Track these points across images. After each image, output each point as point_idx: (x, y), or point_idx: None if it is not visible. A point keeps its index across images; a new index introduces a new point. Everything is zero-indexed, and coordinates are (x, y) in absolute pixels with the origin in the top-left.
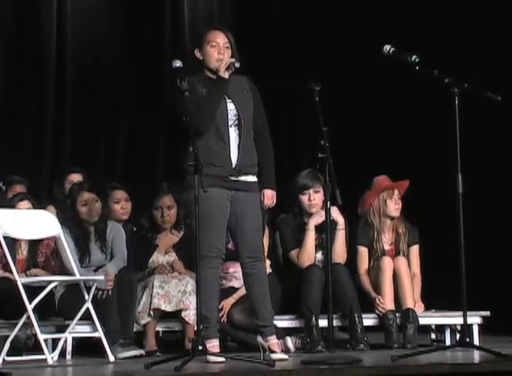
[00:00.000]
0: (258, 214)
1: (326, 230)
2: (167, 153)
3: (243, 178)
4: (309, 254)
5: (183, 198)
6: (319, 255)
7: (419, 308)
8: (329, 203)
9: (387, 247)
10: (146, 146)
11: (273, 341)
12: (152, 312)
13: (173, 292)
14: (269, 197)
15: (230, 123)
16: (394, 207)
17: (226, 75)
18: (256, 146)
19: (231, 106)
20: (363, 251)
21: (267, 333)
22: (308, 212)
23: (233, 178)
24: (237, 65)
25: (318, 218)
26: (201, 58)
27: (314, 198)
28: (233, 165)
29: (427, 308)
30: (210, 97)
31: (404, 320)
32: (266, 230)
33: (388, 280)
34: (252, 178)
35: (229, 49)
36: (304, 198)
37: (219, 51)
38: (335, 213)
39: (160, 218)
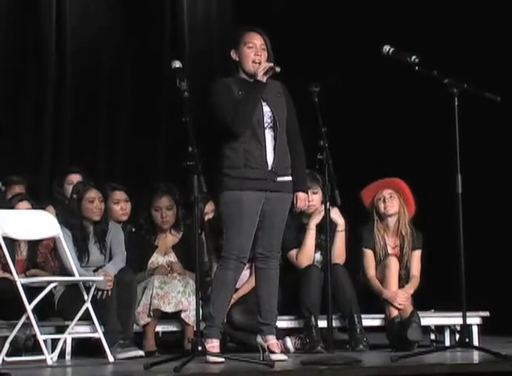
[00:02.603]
0: (285, 214)
1: (325, 231)
2: (166, 154)
3: (278, 179)
4: (308, 254)
5: (218, 199)
6: (318, 256)
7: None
8: (328, 203)
9: (390, 250)
10: (145, 146)
11: (272, 341)
12: (152, 313)
13: (172, 293)
14: (302, 199)
15: (265, 125)
16: (382, 206)
17: (264, 79)
18: (289, 149)
19: (266, 108)
20: (369, 254)
21: (266, 332)
22: (305, 213)
23: (269, 180)
24: (278, 69)
25: (318, 217)
26: (237, 59)
27: (312, 199)
28: (269, 167)
29: (427, 308)
30: (247, 100)
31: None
32: None
33: (395, 281)
34: (287, 178)
35: (266, 51)
36: None
37: (256, 52)
38: (335, 214)
39: (159, 219)
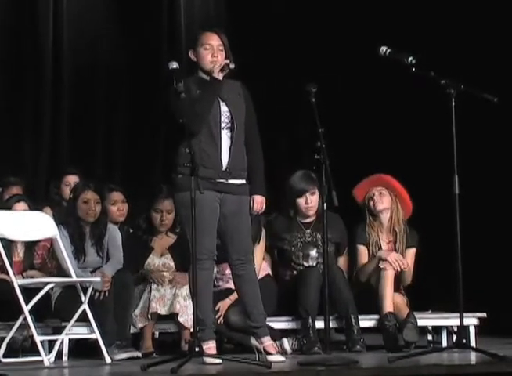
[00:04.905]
0: (247, 216)
1: (322, 231)
2: (165, 155)
3: (232, 181)
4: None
5: (174, 200)
6: (314, 252)
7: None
8: (325, 204)
9: (384, 246)
10: (144, 147)
11: (268, 342)
12: (149, 316)
13: (168, 295)
14: (258, 202)
15: (223, 125)
16: (371, 203)
17: (220, 76)
18: (246, 151)
19: (224, 108)
20: (362, 249)
21: (260, 334)
22: (304, 214)
23: (223, 181)
24: (232, 66)
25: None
26: (195, 60)
27: (311, 201)
28: (223, 168)
29: (424, 309)
30: (203, 97)
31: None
32: (263, 233)
33: (390, 284)
34: (241, 181)
35: (223, 52)
36: (301, 201)
37: (213, 54)
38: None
39: (158, 221)
